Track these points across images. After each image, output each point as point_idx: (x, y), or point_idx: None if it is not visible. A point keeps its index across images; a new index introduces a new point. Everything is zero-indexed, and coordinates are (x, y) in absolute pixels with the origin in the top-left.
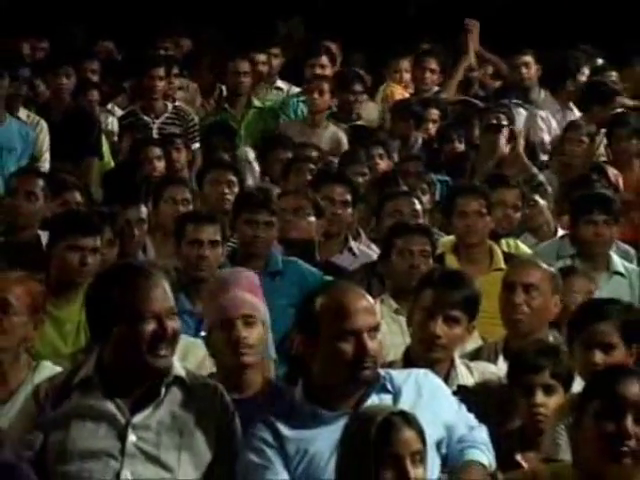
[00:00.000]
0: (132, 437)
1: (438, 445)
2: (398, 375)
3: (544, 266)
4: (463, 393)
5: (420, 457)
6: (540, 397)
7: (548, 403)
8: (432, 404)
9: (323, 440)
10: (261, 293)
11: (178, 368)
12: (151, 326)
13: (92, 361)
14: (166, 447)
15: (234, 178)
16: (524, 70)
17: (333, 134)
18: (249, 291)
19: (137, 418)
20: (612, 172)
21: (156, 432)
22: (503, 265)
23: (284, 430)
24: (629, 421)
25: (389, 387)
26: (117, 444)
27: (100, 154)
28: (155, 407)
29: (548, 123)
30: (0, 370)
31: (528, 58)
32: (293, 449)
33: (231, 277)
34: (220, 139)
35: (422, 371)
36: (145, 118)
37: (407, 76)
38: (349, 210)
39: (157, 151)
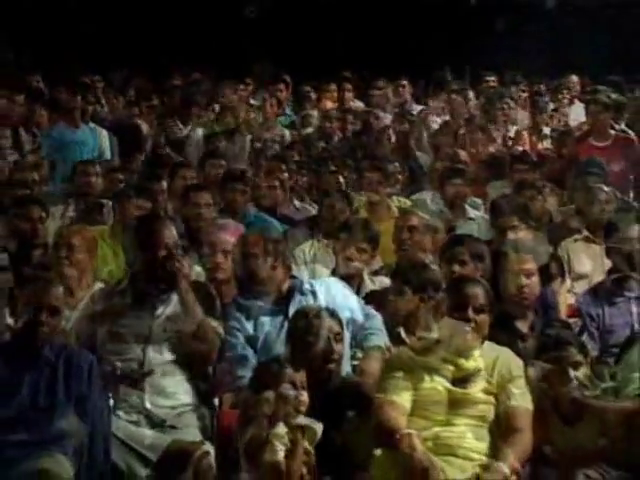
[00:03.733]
0: (155, 322)
1: (347, 324)
2: (315, 282)
3: (420, 214)
4: (370, 297)
5: (340, 337)
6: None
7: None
8: (338, 296)
9: (268, 315)
10: (229, 230)
11: None
12: (162, 252)
13: (127, 278)
14: (175, 320)
15: (224, 163)
16: (401, 90)
17: (280, 130)
18: (231, 234)
19: (157, 311)
20: (463, 154)
21: (167, 318)
22: (396, 214)
23: (242, 301)
24: (470, 311)
25: (308, 290)
26: (145, 329)
27: (142, 151)
28: (168, 301)
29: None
30: (70, 289)
31: (404, 82)
32: (251, 316)
33: (220, 225)
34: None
35: (332, 279)
36: (180, 124)
37: (334, 94)
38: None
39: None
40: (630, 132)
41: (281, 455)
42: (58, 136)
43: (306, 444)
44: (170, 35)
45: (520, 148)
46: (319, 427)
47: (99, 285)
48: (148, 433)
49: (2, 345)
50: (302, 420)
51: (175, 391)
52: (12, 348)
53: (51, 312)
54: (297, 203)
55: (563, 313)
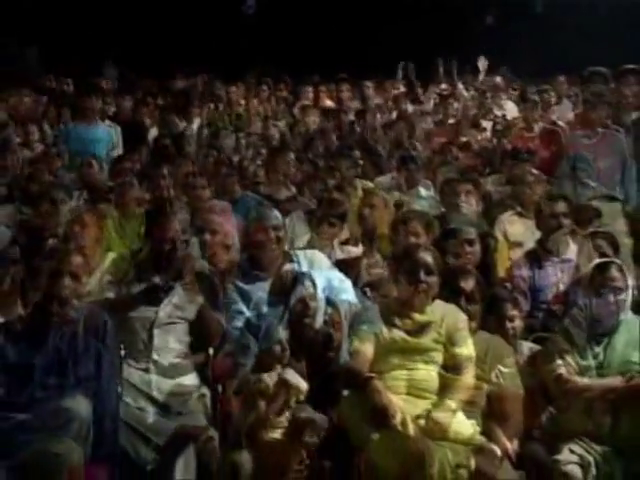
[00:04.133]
0: (161, 310)
1: (345, 314)
2: (314, 272)
3: (413, 205)
4: (366, 286)
5: (339, 326)
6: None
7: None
8: (335, 281)
9: (268, 305)
10: (229, 217)
11: None
12: (167, 245)
13: (133, 268)
14: (180, 308)
15: (224, 156)
16: (395, 88)
17: (280, 125)
18: (217, 215)
19: (164, 300)
20: (454, 149)
21: (173, 306)
22: (392, 206)
23: (242, 285)
24: (462, 302)
25: (309, 278)
26: (152, 316)
27: (147, 145)
28: (173, 291)
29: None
30: (77, 276)
31: (398, 80)
32: (251, 299)
33: (209, 207)
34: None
35: (335, 273)
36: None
37: (332, 93)
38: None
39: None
40: (620, 128)
41: (279, 434)
42: (74, 133)
43: (307, 436)
44: (173, 37)
45: (509, 145)
46: (324, 421)
47: (107, 277)
48: (153, 417)
49: (14, 334)
50: (308, 414)
51: (180, 377)
52: (23, 337)
53: (61, 302)
54: (297, 195)
55: (551, 299)
